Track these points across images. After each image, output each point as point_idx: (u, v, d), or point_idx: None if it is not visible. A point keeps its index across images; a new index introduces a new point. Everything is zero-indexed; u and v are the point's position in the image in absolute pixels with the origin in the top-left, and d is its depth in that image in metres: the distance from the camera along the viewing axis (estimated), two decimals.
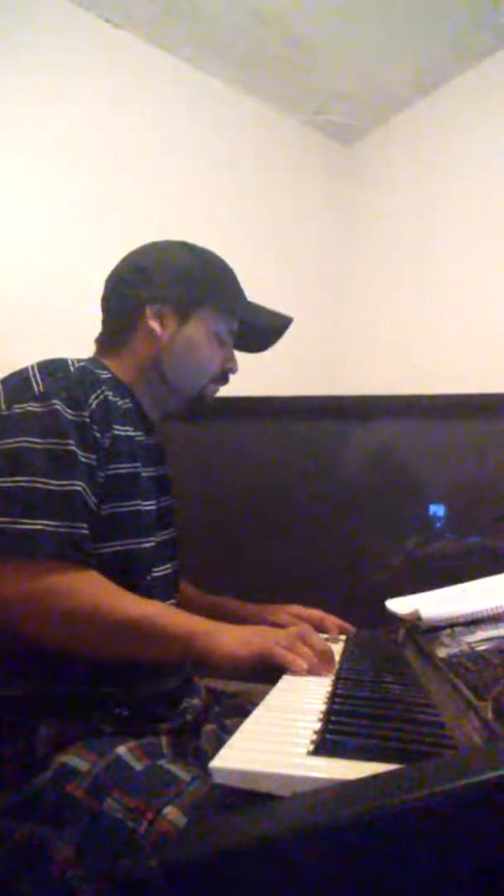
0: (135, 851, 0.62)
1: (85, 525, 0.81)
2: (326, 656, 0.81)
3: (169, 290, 1.00)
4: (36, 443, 0.81)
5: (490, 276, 2.01)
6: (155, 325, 0.99)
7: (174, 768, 0.70)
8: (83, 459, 0.83)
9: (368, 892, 0.34)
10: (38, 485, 0.79)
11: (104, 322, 1.05)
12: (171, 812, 0.63)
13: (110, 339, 1.03)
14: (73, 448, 0.82)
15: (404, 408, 1.66)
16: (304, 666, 0.77)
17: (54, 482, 0.79)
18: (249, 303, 1.08)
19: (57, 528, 0.78)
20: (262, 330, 1.10)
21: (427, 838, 0.34)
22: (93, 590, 0.80)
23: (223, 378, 1.06)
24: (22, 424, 0.82)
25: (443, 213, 2.19)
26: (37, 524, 0.77)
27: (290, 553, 1.58)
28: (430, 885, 0.34)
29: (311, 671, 0.77)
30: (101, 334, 1.05)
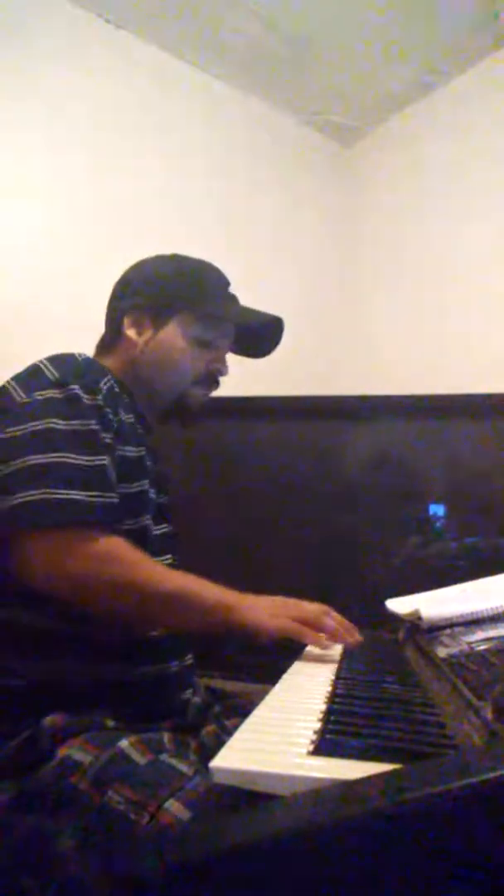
0: (136, 844, 0.62)
1: (114, 495, 0.85)
2: (350, 628, 0.88)
3: (145, 298, 1.04)
4: (60, 424, 0.84)
5: (490, 275, 2.01)
6: (131, 332, 1.04)
7: (176, 763, 0.71)
8: (105, 439, 0.88)
9: (368, 892, 0.34)
10: (69, 460, 0.82)
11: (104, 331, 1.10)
12: (173, 805, 0.63)
13: (102, 347, 1.09)
14: (96, 428, 0.86)
15: (404, 408, 1.66)
16: (324, 640, 0.85)
17: (84, 458, 0.83)
18: (238, 306, 1.09)
19: (92, 497, 0.82)
20: (251, 331, 1.11)
21: (427, 838, 0.34)
22: (134, 559, 0.84)
23: (209, 381, 1.08)
24: (45, 408, 0.85)
25: (442, 213, 2.19)
26: (72, 494, 0.80)
27: (290, 553, 1.58)
28: (431, 885, 0.34)
29: (339, 640, 0.85)
30: (98, 342, 1.10)
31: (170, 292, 1.05)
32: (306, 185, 2.44)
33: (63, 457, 0.82)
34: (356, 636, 0.90)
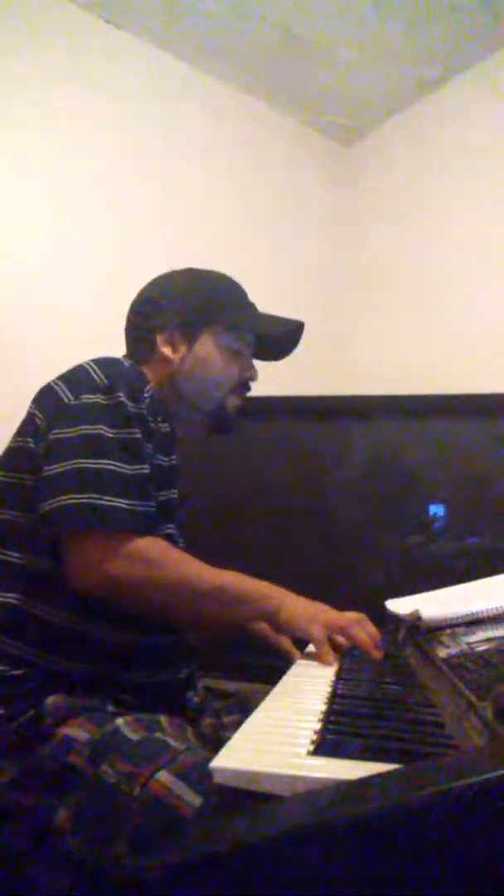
0: (128, 815, 0.63)
1: (153, 503, 0.90)
2: (378, 643, 0.90)
3: (175, 315, 1.07)
4: (108, 431, 0.87)
5: (490, 275, 2.01)
6: (167, 350, 1.06)
7: (169, 739, 0.72)
8: (146, 448, 0.91)
9: (368, 892, 0.34)
10: (116, 468, 0.86)
11: (128, 350, 1.12)
12: (162, 776, 0.65)
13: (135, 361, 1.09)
14: (139, 437, 0.90)
15: (404, 408, 1.66)
16: (376, 654, 0.88)
17: (128, 467, 0.87)
18: (260, 314, 1.12)
19: (134, 505, 0.85)
20: (275, 338, 1.14)
21: (427, 838, 0.34)
22: (176, 558, 0.89)
23: (243, 388, 1.12)
24: (93, 414, 0.88)
25: (442, 213, 2.19)
26: (117, 502, 0.84)
27: (290, 553, 1.58)
28: (430, 885, 0.34)
29: (367, 653, 0.88)
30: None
31: (198, 307, 1.08)
32: (306, 185, 2.44)
33: (109, 464, 0.85)
34: (379, 653, 0.90)
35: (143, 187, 2.00)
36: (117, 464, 0.86)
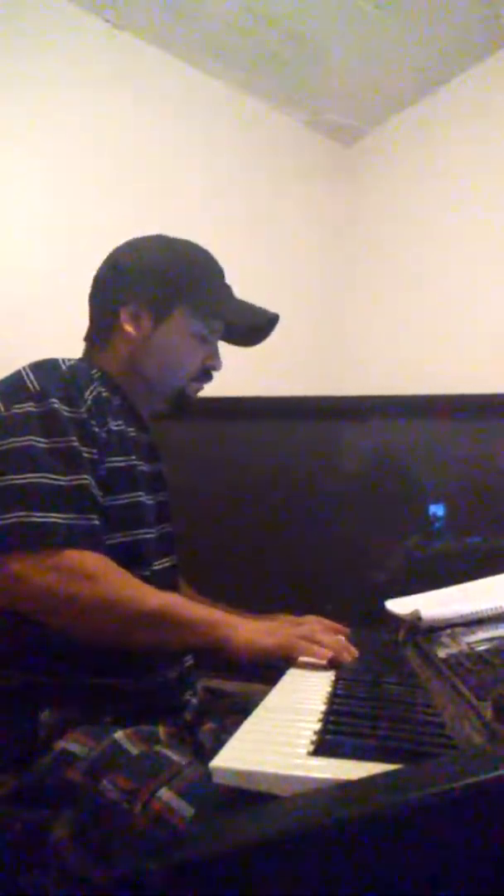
0: (129, 833, 0.62)
1: (95, 516, 0.83)
2: (346, 645, 0.85)
3: (144, 290, 1.00)
4: (40, 441, 0.82)
5: (490, 275, 2.01)
6: (129, 327, 1.00)
7: (170, 752, 0.71)
8: (86, 455, 0.85)
9: (368, 892, 0.34)
10: (48, 480, 0.80)
11: (90, 320, 1.06)
12: (165, 794, 0.63)
13: (95, 338, 1.04)
14: (76, 444, 0.84)
15: (404, 408, 1.66)
16: (328, 654, 0.80)
17: (63, 478, 0.81)
18: (234, 300, 1.06)
19: (70, 520, 0.79)
20: (246, 330, 1.09)
21: (427, 838, 0.34)
22: (113, 578, 0.81)
23: (205, 377, 1.06)
24: (23, 424, 0.83)
25: (443, 213, 2.19)
26: (50, 517, 0.78)
27: (290, 553, 1.58)
28: (430, 885, 0.34)
29: (336, 657, 0.80)
30: (87, 332, 1.06)
31: (170, 285, 1.00)
32: (306, 185, 2.44)
33: (42, 477, 0.80)
34: (352, 651, 0.85)
35: (143, 187, 2.00)
36: (51, 476, 0.80)
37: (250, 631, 0.82)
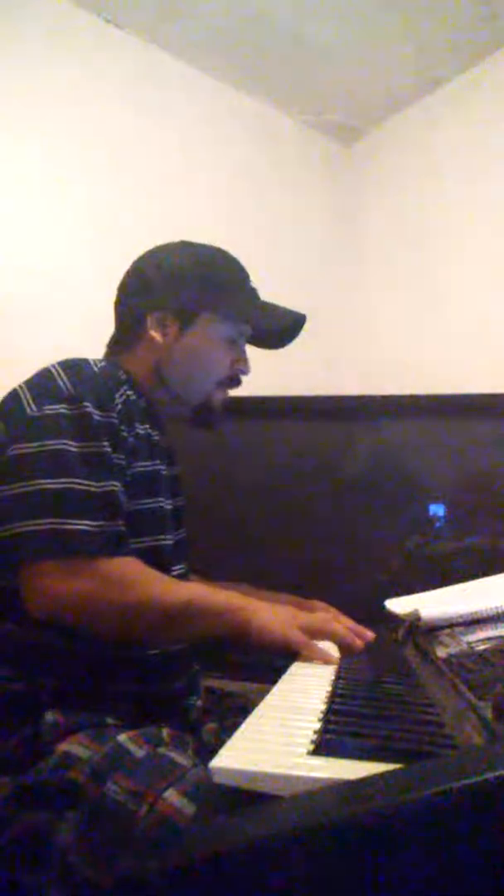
0: (135, 835, 0.62)
1: (122, 523, 0.84)
2: (359, 630, 0.88)
3: (169, 297, 1.00)
4: (72, 445, 0.82)
5: (490, 275, 2.01)
6: (156, 334, 0.99)
7: (174, 755, 0.71)
8: (115, 460, 0.85)
9: (368, 892, 0.34)
10: (80, 487, 0.80)
11: (115, 327, 1.06)
12: (171, 795, 0.63)
13: (120, 344, 1.04)
14: (107, 449, 0.84)
15: (404, 408, 1.66)
16: (360, 644, 0.85)
17: (94, 484, 0.81)
18: (261, 303, 1.06)
19: (100, 527, 0.80)
20: (274, 332, 1.08)
21: (427, 838, 0.34)
22: (142, 580, 0.83)
23: (233, 382, 1.06)
24: (56, 426, 0.83)
25: (443, 213, 2.19)
26: (82, 524, 0.79)
27: (290, 553, 1.58)
28: (430, 885, 0.34)
29: (352, 647, 0.84)
30: (111, 339, 1.06)
31: (195, 290, 1.00)
32: (307, 184, 2.44)
33: (74, 483, 0.80)
34: (366, 635, 0.88)
35: (142, 186, 2.00)
36: (83, 481, 0.80)
37: (266, 619, 0.83)
